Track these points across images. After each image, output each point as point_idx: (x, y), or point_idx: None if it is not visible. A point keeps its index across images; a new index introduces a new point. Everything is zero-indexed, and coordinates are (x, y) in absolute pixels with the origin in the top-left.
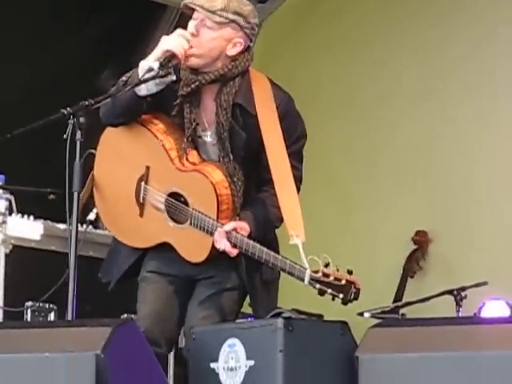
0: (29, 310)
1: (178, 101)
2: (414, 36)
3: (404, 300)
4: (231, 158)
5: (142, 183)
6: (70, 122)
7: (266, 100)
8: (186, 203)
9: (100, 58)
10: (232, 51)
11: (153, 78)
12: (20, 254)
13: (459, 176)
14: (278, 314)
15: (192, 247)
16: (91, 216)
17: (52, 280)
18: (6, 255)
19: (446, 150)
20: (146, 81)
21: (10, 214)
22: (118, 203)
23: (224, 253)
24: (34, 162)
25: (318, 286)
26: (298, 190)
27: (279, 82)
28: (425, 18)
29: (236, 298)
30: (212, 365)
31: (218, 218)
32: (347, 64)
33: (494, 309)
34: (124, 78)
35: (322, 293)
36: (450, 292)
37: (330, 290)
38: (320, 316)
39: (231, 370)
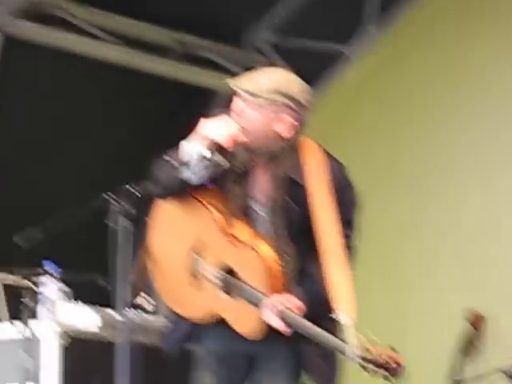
0: None
1: (232, 178)
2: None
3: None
4: (285, 233)
5: (193, 254)
6: (113, 207)
7: (318, 171)
8: (237, 277)
9: (150, 145)
10: (282, 130)
11: (205, 167)
12: (77, 344)
13: None
14: None
15: (245, 321)
16: (139, 300)
17: (109, 371)
18: (66, 348)
19: (500, 229)
20: (200, 170)
21: (67, 303)
22: (172, 275)
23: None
24: (81, 248)
25: (363, 363)
26: (349, 259)
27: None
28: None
29: (292, 374)
30: None
31: (268, 291)
32: (405, 144)
33: None
34: (167, 158)
35: (364, 368)
36: (503, 370)
37: (371, 366)
38: None
39: None
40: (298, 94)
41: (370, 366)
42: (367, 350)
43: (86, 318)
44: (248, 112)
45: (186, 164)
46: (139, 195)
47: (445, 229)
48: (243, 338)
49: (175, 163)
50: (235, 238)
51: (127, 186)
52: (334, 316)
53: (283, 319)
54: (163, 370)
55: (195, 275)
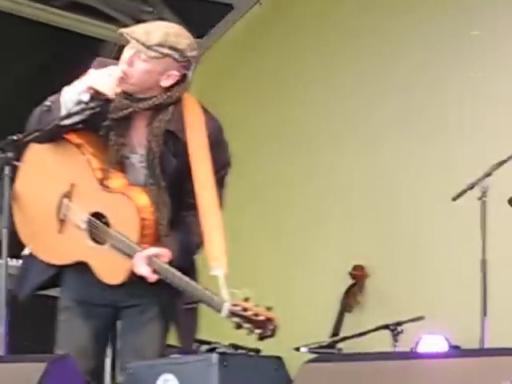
0: None
1: (107, 122)
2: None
3: (341, 335)
4: (161, 184)
5: (65, 200)
6: None
7: (197, 127)
8: (107, 224)
9: (36, 94)
10: (166, 83)
11: (82, 110)
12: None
13: (396, 211)
14: (213, 349)
15: (109, 269)
16: (26, 251)
17: None
18: None
19: (382, 184)
20: (75, 113)
21: None
22: (38, 218)
23: (143, 278)
24: None
25: (235, 319)
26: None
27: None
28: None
29: (163, 328)
30: None
31: (139, 242)
32: (278, 96)
33: (431, 343)
34: (47, 103)
35: (238, 327)
36: (386, 327)
37: (247, 325)
38: (257, 351)
39: None
40: (186, 49)
41: (244, 324)
42: (241, 306)
43: None
44: (136, 61)
45: (61, 107)
46: (21, 143)
47: (331, 183)
48: (106, 285)
49: (51, 105)
50: (108, 185)
51: (11, 136)
52: (211, 272)
53: (155, 270)
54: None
55: (63, 220)
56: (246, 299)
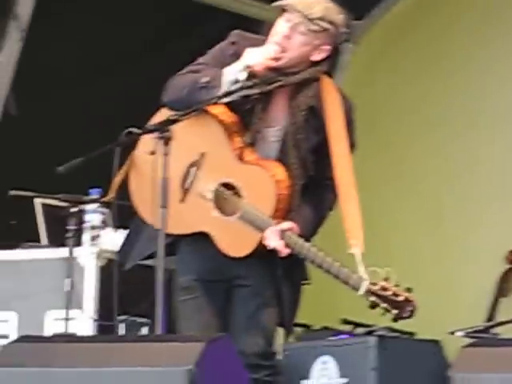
0: (122, 324)
1: (254, 96)
2: None
3: (496, 320)
4: (294, 160)
5: (193, 169)
6: (158, 136)
7: (335, 106)
8: (237, 195)
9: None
10: (317, 57)
11: (240, 89)
12: (114, 267)
13: None
14: (371, 332)
15: (235, 241)
16: None
17: (146, 294)
18: (101, 268)
19: None
20: (233, 92)
21: (105, 227)
22: (157, 185)
23: (265, 254)
24: None
25: (372, 298)
26: None
27: (373, 99)
28: None
29: (270, 314)
30: (303, 382)
31: (272, 216)
32: (439, 79)
33: None
34: (205, 79)
35: (374, 306)
36: None
37: (384, 304)
38: (412, 334)
39: None
40: (341, 25)
41: (381, 303)
42: (380, 286)
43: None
44: (294, 35)
45: (222, 85)
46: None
47: (483, 166)
48: (223, 261)
49: (209, 82)
50: (243, 157)
51: (171, 116)
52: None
53: (287, 244)
54: None
55: (187, 189)
56: (386, 279)
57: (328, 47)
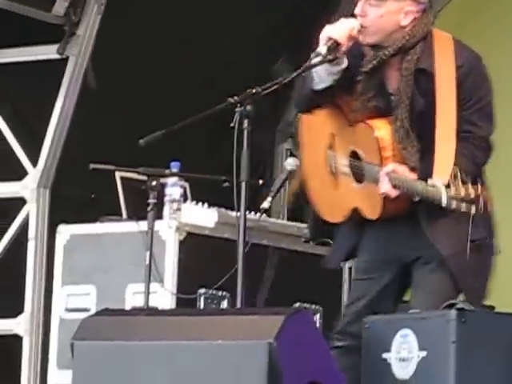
0: (202, 298)
1: (359, 77)
2: None
3: None
4: (406, 125)
5: (330, 151)
6: (237, 110)
7: (447, 60)
8: (361, 159)
9: (275, 47)
10: (405, 21)
11: (321, 62)
12: (194, 241)
13: None
14: (452, 305)
15: (371, 204)
16: (265, 204)
17: (225, 267)
18: (181, 242)
19: None
20: (313, 65)
21: (185, 201)
22: (320, 182)
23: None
24: (209, 150)
25: (453, 205)
26: (483, 148)
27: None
28: None
29: (443, 280)
30: (384, 355)
31: (381, 164)
32: None
33: None
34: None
35: (460, 212)
36: None
37: (463, 209)
38: (491, 308)
39: (403, 360)
40: None
41: (462, 206)
42: (455, 188)
43: (203, 215)
44: (368, 10)
45: (308, 67)
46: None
47: None
48: (389, 240)
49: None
50: (357, 124)
51: (250, 89)
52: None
53: (395, 185)
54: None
55: (335, 173)
56: (454, 176)
57: (410, 8)
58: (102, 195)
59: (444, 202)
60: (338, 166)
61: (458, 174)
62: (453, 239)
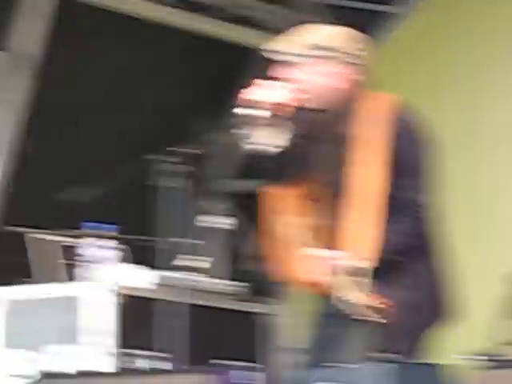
0: (140, 359)
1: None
2: None
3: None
4: (329, 192)
5: (284, 217)
6: (155, 168)
7: (379, 122)
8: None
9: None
10: (339, 84)
11: (265, 126)
12: (133, 303)
13: None
14: (381, 358)
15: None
16: (204, 264)
17: (164, 329)
18: (120, 305)
19: None
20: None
21: (124, 263)
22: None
23: None
24: (143, 212)
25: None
26: (423, 219)
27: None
28: None
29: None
30: None
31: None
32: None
33: None
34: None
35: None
36: None
37: (367, 313)
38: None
39: None
40: (343, 45)
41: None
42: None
43: (141, 277)
44: (298, 75)
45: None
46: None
47: (497, 193)
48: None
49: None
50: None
51: (180, 147)
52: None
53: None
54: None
55: (287, 238)
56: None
57: (339, 70)
58: (15, 258)
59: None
60: (290, 233)
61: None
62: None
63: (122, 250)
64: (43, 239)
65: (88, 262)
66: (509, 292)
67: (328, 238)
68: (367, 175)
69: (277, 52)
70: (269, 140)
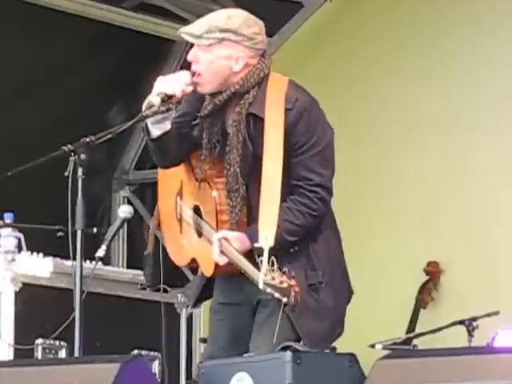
0: (39, 348)
1: (197, 121)
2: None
3: (417, 331)
4: (236, 170)
5: (178, 198)
6: (71, 158)
7: (277, 104)
8: (201, 216)
9: (109, 94)
10: (237, 67)
11: (154, 113)
12: (30, 291)
13: (470, 207)
14: (287, 348)
15: (206, 261)
16: (100, 253)
17: (63, 317)
18: (16, 293)
19: (457, 181)
20: (147, 116)
21: (20, 251)
22: (166, 222)
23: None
24: (42, 199)
25: (268, 290)
26: (321, 198)
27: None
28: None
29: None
30: None
31: (217, 227)
32: (346, 94)
33: (507, 339)
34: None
35: (277, 300)
36: (461, 322)
37: (277, 294)
38: (334, 349)
39: None
40: (242, 28)
41: (277, 295)
42: (271, 275)
43: (38, 265)
44: (199, 55)
45: (142, 118)
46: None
47: (403, 179)
48: (235, 283)
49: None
50: (201, 178)
51: (87, 138)
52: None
53: (222, 251)
54: (118, 320)
55: (180, 220)
56: (272, 267)
57: (240, 54)
58: None
59: (260, 285)
60: (184, 216)
61: (275, 262)
62: None
63: (18, 237)
64: None
65: (6, 251)
66: (421, 283)
67: (222, 217)
68: (273, 159)
69: (184, 34)
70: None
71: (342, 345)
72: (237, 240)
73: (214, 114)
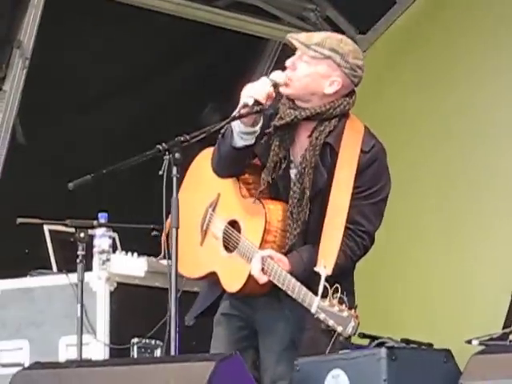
0: (135, 347)
1: (269, 129)
2: None
3: None
4: (304, 195)
5: (210, 209)
6: (166, 157)
7: (354, 143)
8: (240, 231)
9: (202, 94)
10: (329, 89)
11: (247, 114)
12: (125, 291)
13: None
14: (382, 344)
15: (232, 275)
16: None
17: (157, 316)
18: (111, 293)
19: None
20: (241, 116)
21: (114, 251)
22: (185, 231)
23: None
24: (136, 199)
25: (321, 315)
26: (365, 246)
27: (380, 111)
28: None
29: (284, 344)
30: None
31: (260, 246)
32: (443, 93)
33: None
34: (222, 130)
35: (326, 326)
36: None
37: (331, 322)
38: (430, 345)
39: None
40: (348, 54)
41: (331, 322)
42: (331, 304)
43: (133, 265)
44: (299, 64)
45: (235, 118)
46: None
47: (499, 185)
48: (242, 298)
49: (224, 131)
50: (250, 193)
51: (179, 137)
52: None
53: (264, 269)
54: None
55: (205, 231)
56: (335, 294)
57: (338, 79)
58: (31, 249)
59: (314, 309)
60: (212, 228)
61: (339, 289)
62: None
63: (112, 237)
64: (60, 230)
65: (101, 251)
66: None
67: (268, 237)
68: (342, 192)
69: (294, 39)
70: (242, 136)
71: (438, 341)
72: (280, 261)
73: (288, 128)
